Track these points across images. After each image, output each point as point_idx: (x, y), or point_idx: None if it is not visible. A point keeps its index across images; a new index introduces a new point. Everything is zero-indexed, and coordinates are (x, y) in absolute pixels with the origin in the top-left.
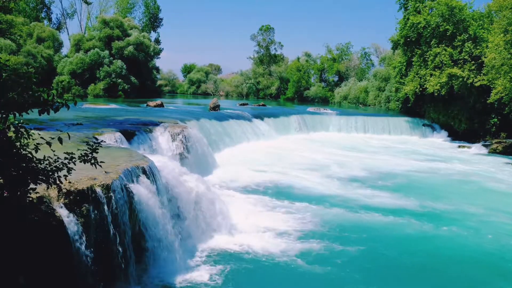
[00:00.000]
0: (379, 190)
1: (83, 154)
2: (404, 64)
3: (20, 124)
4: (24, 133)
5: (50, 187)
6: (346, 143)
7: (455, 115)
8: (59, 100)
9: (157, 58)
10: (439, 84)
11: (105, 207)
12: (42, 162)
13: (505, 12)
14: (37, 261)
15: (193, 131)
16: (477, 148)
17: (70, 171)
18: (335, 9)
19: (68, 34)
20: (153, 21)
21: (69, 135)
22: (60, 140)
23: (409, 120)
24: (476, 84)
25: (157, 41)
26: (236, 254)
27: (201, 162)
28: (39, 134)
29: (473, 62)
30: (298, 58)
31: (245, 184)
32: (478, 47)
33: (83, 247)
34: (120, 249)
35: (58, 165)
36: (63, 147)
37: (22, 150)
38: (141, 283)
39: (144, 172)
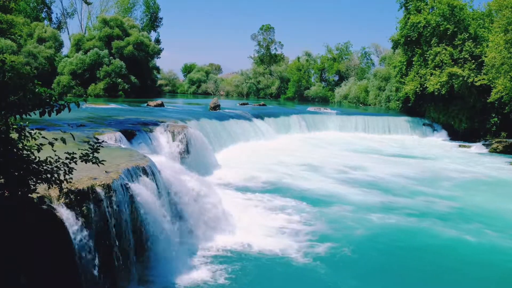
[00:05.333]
0: (379, 191)
1: (84, 154)
2: (405, 63)
3: (22, 126)
4: (27, 134)
5: (51, 187)
6: (346, 143)
7: (455, 114)
8: (60, 102)
9: (157, 58)
10: (439, 84)
11: (106, 206)
12: (43, 163)
13: (505, 12)
14: (38, 261)
15: (193, 130)
16: (477, 148)
17: (72, 172)
18: (335, 9)
19: (68, 33)
20: (153, 21)
21: (73, 136)
22: (63, 140)
23: (409, 120)
24: (477, 84)
25: (157, 41)
26: (237, 254)
27: (201, 161)
28: (40, 134)
29: (473, 61)
30: (298, 58)
31: (246, 183)
32: (478, 46)
33: (84, 247)
34: (121, 248)
35: (59, 165)
36: (64, 147)
37: (24, 151)
38: (142, 283)
39: (144, 171)
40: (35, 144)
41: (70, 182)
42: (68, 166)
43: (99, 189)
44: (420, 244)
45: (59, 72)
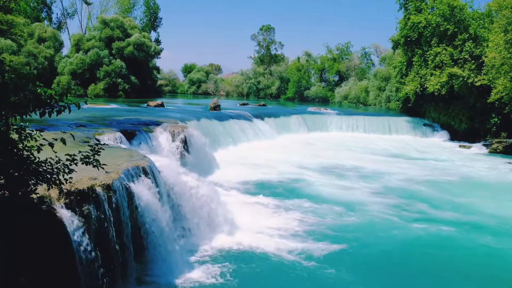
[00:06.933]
0: (379, 193)
1: (84, 156)
2: (405, 63)
3: (23, 126)
4: (28, 135)
5: (51, 187)
6: (346, 143)
7: (455, 114)
8: (61, 103)
9: (157, 58)
10: (439, 84)
11: (106, 207)
12: (43, 164)
13: (505, 12)
14: (38, 261)
15: (193, 131)
16: (477, 148)
17: (72, 173)
18: (335, 9)
19: (68, 34)
20: (153, 21)
21: (73, 136)
22: (63, 141)
23: (409, 120)
24: (477, 84)
25: (157, 41)
26: (236, 254)
27: (201, 162)
28: (41, 135)
29: (473, 61)
30: (299, 58)
31: (246, 184)
32: (478, 46)
33: (83, 247)
34: (120, 248)
35: (59, 167)
36: (65, 148)
37: (24, 152)
38: (141, 283)
39: (144, 172)
40: (35, 145)
41: (70, 182)
42: (68, 168)
43: (99, 190)
44: (454, 250)
45: (59, 72)
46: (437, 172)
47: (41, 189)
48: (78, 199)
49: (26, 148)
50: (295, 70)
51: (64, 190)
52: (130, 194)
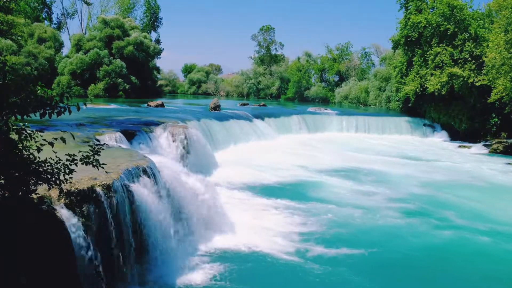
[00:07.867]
0: (394, 197)
1: (84, 156)
2: (405, 64)
3: (23, 126)
4: (27, 135)
5: (51, 187)
6: (347, 143)
7: (455, 114)
8: (61, 104)
9: (157, 58)
10: (439, 84)
11: (106, 207)
12: (43, 164)
13: (505, 12)
14: (38, 261)
15: (193, 131)
16: (477, 148)
17: (71, 173)
18: (335, 9)
19: (68, 34)
20: (153, 21)
21: (73, 136)
22: (63, 140)
23: (409, 120)
24: (477, 84)
25: (158, 41)
26: (236, 254)
27: (201, 162)
28: (41, 136)
29: (473, 61)
30: (299, 58)
31: (246, 184)
32: (478, 46)
33: (84, 247)
34: (120, 249)
35: (59, 167)
36: (65, 148)
37: (24, 152)
38: (141, 283)
39: (144, 172)
40: (36, 145)
41: (70, 182)
42: (68, 168)
43: (99, 190)
44: (477, 256)
45: (59, 73)
46: (450, 174)
47: (41, 189)
48: (78, 199)
49: (26, 148)
50: (295, 70)
51: (64, 190)
52: (130, 194)
